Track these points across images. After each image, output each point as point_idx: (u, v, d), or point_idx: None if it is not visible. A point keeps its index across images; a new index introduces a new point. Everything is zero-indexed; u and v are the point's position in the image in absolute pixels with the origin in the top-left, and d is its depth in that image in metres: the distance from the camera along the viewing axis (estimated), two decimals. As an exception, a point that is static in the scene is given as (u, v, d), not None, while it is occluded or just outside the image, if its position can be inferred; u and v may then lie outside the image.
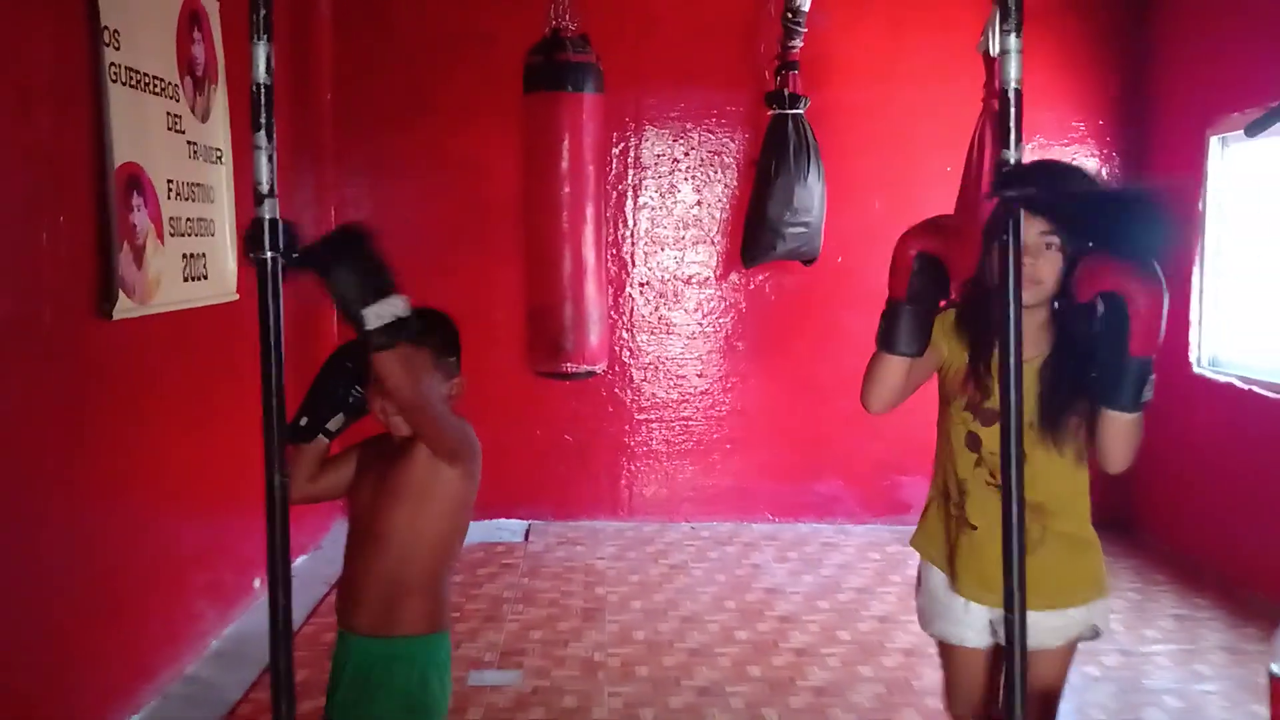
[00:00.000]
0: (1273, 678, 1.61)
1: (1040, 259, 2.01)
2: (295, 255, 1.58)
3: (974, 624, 2.20)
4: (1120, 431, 1.94)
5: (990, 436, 2.10)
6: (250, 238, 1.51)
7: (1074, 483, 2.15)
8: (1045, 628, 2.09)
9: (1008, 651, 1.58)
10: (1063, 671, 2.21)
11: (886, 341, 2.04)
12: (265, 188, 1.52)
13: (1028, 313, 2.00)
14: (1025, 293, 1.97)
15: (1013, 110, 1.63)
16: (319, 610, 4.29)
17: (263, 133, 1.51)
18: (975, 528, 2.14)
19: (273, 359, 1.54)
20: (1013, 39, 1.64)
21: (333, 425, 2.14)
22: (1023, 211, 1.96)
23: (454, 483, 2.13)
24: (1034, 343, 2.05)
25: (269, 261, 1.52)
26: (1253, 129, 2.66)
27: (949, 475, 2.20)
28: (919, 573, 2.33)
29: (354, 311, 1.77)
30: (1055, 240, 2.01)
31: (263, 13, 1.52)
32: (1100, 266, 1.87)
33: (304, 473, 2.14)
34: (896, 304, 2.02)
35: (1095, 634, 2.20)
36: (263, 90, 1.51)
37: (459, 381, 2.21)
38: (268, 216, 1.51)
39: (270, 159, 1.52)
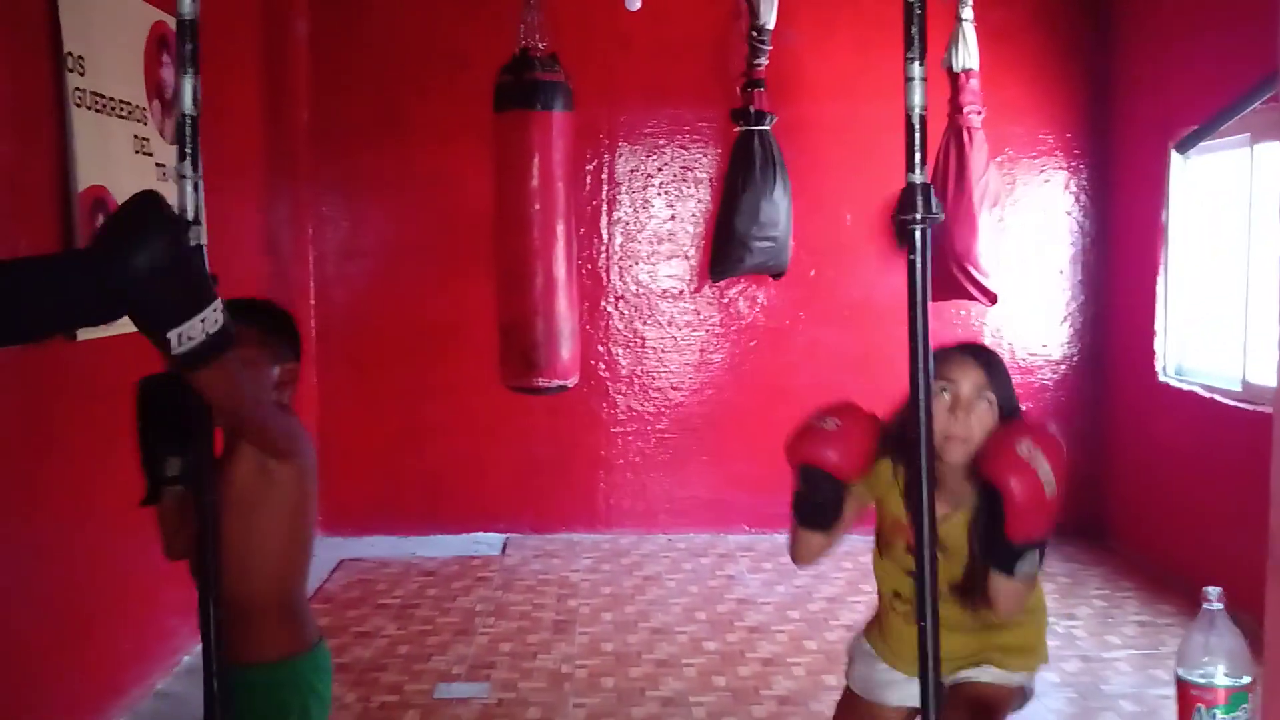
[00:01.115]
0: (1179, 682, 1.66)
1: (972, 414, 2.04)
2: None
3: (906, 691, 2.22)
4: (1002, 590, 2.01)
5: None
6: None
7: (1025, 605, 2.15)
8: (999, 676, 2.20)
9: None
10: (1006, 699, 2.22)
11: (800, 520, 2.12)
12: (191, 214, 1.57)
13: (951, 466, 2.06)
14: (954, 451, 2.04)
15: (917, 136, 1.69)
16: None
17: (188, 162, 1.57)
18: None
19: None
20: (916, 67, 1.70)
21: (170, 471, 1.91)
22: (958, 364, 2.04)
23: (286, 484, 1.97)
24: (960, 495, 2.09)
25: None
26: (1183, 146, 2.72)
27: (896, 587, 2.23)
28: (852, 653, 2.40)
29: (156, 338, 1.45)
30: (989, 394, 2.05)
31: (189, 46, 1.58)
32: (991, 451, 1.96)
33: (171, 529, 1.96)
34: (799, 495, 2.09)
35: (1025, 700, 2.26)
36: (188, 121, 1.57)
37: (291, 367, 2.05)
38: (193, 243, 1.56)
39: (196, 187, 1.58)
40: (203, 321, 1.45)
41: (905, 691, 2.24)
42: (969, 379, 2.04)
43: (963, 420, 2.03)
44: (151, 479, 1.91)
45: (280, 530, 2.00)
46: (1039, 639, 2.28)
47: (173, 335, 1.43)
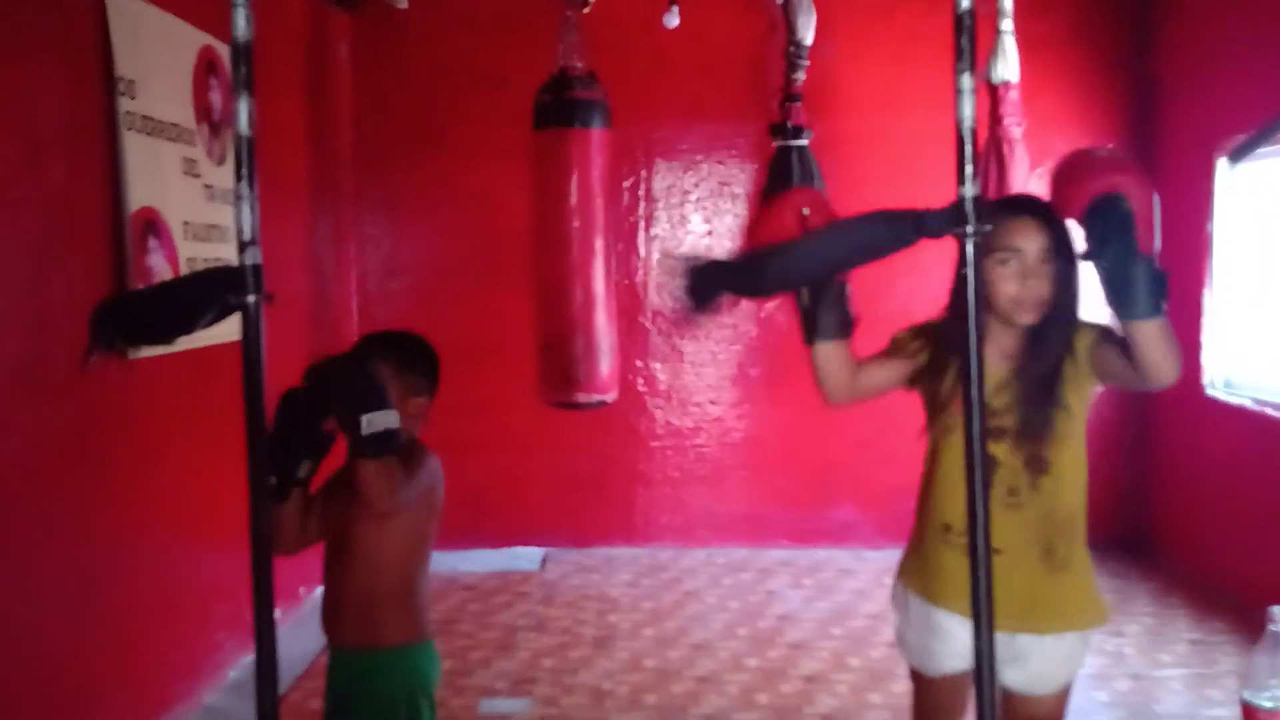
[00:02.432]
0: (1245, 705, 1.63)
1: (1041, 276, 2.00)
2: (308, 372, 1.81)
3: (960, 649, 2.10)
4: (1152, 340, 1.83)
5: (1003, 451, 2.03)
6: (235, 284, 1.58)
7: (1085, 491, 2.11)
8: (1061, 657, 2.08)
9: (976, 673, 1.61)
10: (1063, 710, 2.17)
11: (806, 336, 2.10)
12: (248, 235, 1.59)
13: (1016, 326, 2.04)
14: (1028, 314, 2.01)
15: (968, 148, 1.67)
16: (336, 640, 4.37)
17: (245, 183, 1.59)
18: (999, 551, 1.93)
19: (257, 401, 1.62)
20: (967, 78, 1.68)
21: (302, 473, 2.11)
22: (1019, 229, 2.01)
23: (410, 506, 2.17)
24: (1021, 349, 2.06)
25: (250, 306, 1.59)
26: (1236, 155, 2.67)
27: (947, 506, 2.11)
28: (899, 605, 2.25)
29: (351, 418, 1.91)
30: (1053, 254, 2.00)
31: (244, 69, 1.60)
32: (1083, 171, 1.83)
33: (290, 527, 2.14)
34: (798, 304, 2.07)
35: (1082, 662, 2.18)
36: (244, 143, 1.59)
37: (423, 402, 2.28)
38: (249, 263, 1.58)
39: (253, 208, 1.60)
40: (385, 418, 1.94)
41: (969, 648, 2.14)
42: (1033, 243, 1.98)
43: (1034, 286, 1.98)
44: (282, 478, 2.09)
45: (405, 539, 2.21)
46: (1094, 584, 2.13)
47: (364, 419, 1.92)
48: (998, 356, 2.08)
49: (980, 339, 1.59)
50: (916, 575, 2.21)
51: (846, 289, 2.08)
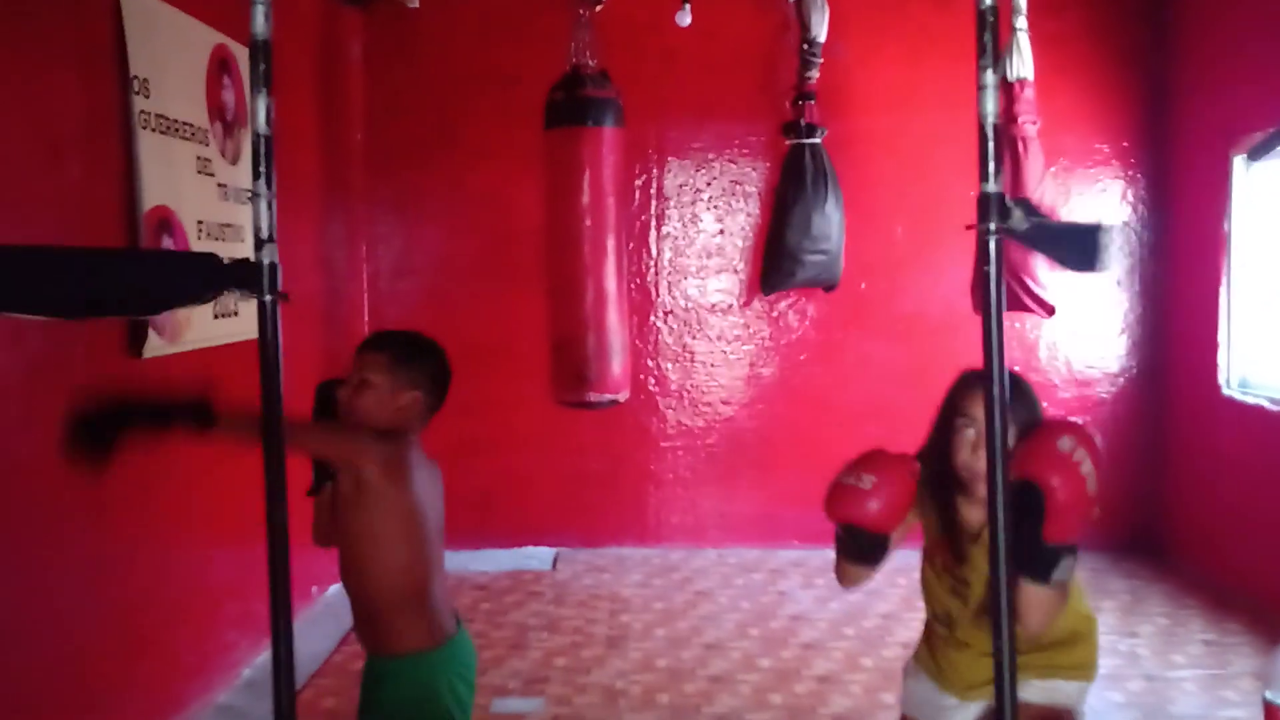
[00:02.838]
0: (1267, 705, 1.62)
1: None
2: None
3: (958, 711, 2.22)
4: (1034, 602, 1.90)
5: (960, 608, 2.15)
6: (250, 282, 1.57)
7: (1062, 617, 2.09)
8: (1031, 688, 2.12)
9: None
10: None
11: (846, 559, 2.10)
12: (265, 233, 1.59)
13: (982, 499, 2.05)
14: (982, 487, 2.01)
15: (990, 144, 1.66)
16: (349, 639, 4.37)
17: (263, 181, 1.58)
18: (969, 645, 2.17)
19: (274, 399, 1.61)
20: (989, 75, 1.66)
21: (333, 468, 2.16)
22: (975, 399, 2.01)
23: (380, 493, 2.10)
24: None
25: (267, 304, 1.58)
26: (1253, 153, 2.65)
27: (936, 608, 2.24)
28: (906, 675, 2.37)
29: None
30: (1012, 427, 1.96)
31: (263, 67, 1.59)
32: (1028, 450, 1.89)
33: (326, 519, 2.21)
34: (841, 540, 2.07)
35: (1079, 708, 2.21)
36: (262, 140, 1.59)
37: (416, 396, 2.21)
38: (266, 261, 1.58)
39: (270, 206, 1.59)
40: None
41: (958, 717, 2.21)
42: (980, 420, 2.01)
43: (983, 458, 2.00)
44: (318, 473, 2.13)
45: (389, 533, 2.12)
46: (1090, 660, 2.21)
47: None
48: (964, 530, 2.12)
49: (1004, 373, 1.58)
50: (919, 657, 2.34)
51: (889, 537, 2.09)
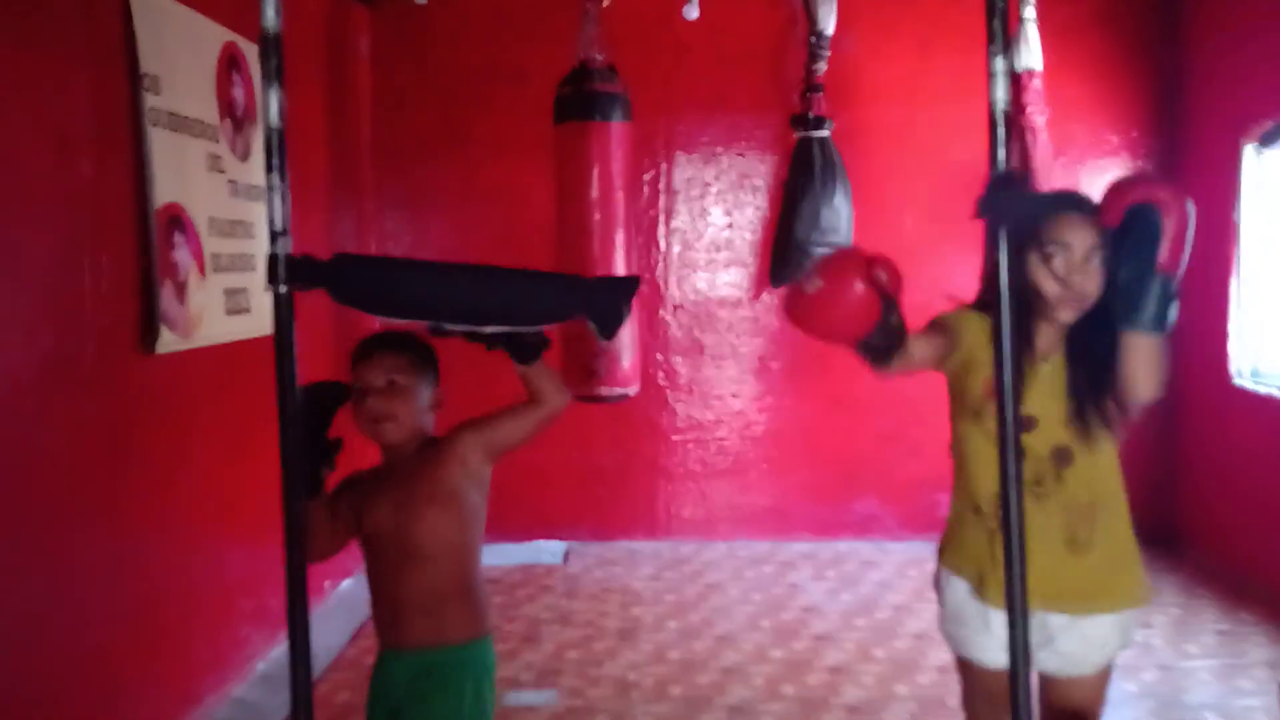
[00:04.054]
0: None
1: (1086, 274, 1.98)
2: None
3: (1002, 639, 2.11)
4: (1144, 355, 1.85)
5: (1028, 441, 2.03)
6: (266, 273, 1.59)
7: (1117, 480, 2.11)
8: (1092, 638, 2.06)
9: (1010, 659, 1.61)
10: (1102, 693, 2.15)
11: (873, 365, 2.02)
12: (279, 226, 1.60)
13: (1059, 325, 2.04)
14: (1071, 310, 1.99)
15: (1000, 131, 1.66)
16: (362, 633, 4.39)
17: (276, 174, 1.60)
18: (1048, 520, 2.05)
19: (289, 390, 1.62)
20: (999, 61, 1.67)
21: (329, 470, 2.14)
22: (1070, 224, 2.00)
23: (477, 488, 2.20)
24: (1056, 340, 2.07)
25: (282, 295, 1.59)
26: (1264, 141, 2.64)
27: (979, 489, 2.12)
28: (940, 589, 2.26)
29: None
30: (1101, 252, 1.97)
31: (274, 61, 1.61)
32: (1127, 183, 1.86)
33: (321, 531, 2.15)
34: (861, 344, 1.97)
35: (1125, 645, 2.15)
36: (275, 134, 1.60)
37: (440, 391, 2.28)
38: (281, 253, 1.59)
39: (284, 199, 1.61)
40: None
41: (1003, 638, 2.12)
42: (1080, 239, 1.97)
43: (1078, 283, 1.97)
44: (313, 476, 2.09)
45: (468, 527, 2.17)
46: (1134, 568, 2.12)
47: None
48: (1035, 350, 2.08)
49: (1020, 329, 1.58)
50: (951, 554, 2.24)
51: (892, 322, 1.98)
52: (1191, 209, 1.84)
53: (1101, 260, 1.98)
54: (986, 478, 2.09)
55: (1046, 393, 2.05)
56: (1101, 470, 2.08)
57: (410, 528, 2.13)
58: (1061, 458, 2.06)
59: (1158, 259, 1.80)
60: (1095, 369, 2.02)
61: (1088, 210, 2.01)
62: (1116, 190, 1.86)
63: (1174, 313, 1.83)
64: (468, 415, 2.32)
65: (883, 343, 1.93)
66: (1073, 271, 1.98)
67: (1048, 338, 2.08)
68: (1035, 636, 2.01)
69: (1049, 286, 2.00)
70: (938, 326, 2.13)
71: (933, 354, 2.09)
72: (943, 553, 2.27)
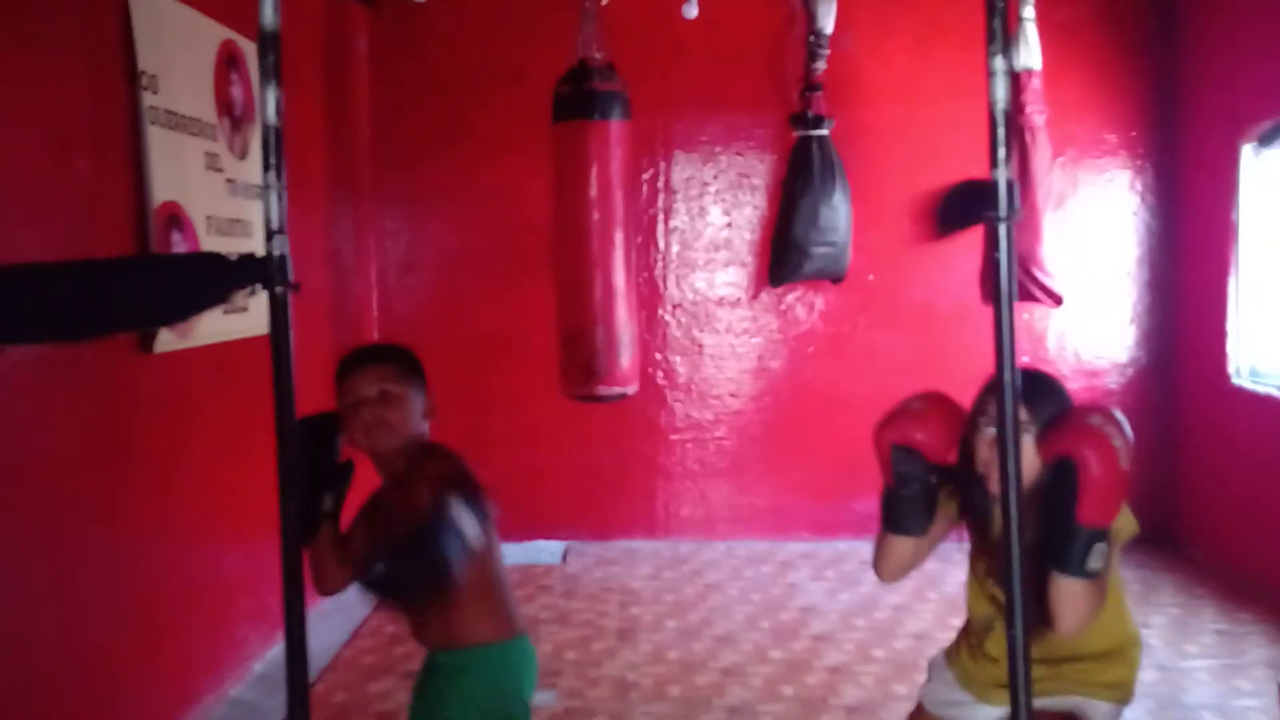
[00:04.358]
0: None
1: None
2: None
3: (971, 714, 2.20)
4: (1066, 597, 1.85)
5: (995, 616, 2.11)
6: (259, 275, 1.57)
7: (1105, 612, 2.02)
8: (1059, 705, 2.11)
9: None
10: None
11: (888, 523, 2.07)
12: (276, 224, 1.59)
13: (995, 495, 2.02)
14: (996, 483, 1.94)
15: (1000, 130, 1.66)
16: (360, 633, 4.38)
17: (273, 172, 1.59)
18: (996, 660, 2.13)
19: (286, 390, 1.61)
20: (999, 61, 1.66)
21: (326, 506, 2.10)
22: (987, 403, 1.99)
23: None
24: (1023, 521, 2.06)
25: (279, 295, 1.59)
26: (1262, 140, 2.63)
27: (973, 616, 2.22)
28: (930, 670, 2.35)
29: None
30: (1030, 426, 1.95)
31: (271, 59, 1.60)
32: (1061, 428, 1.87)
33: (330, 561, 2.12)
34: (889, 490, 2.06)
35: None
36: (272, 132, 1.59)
37: (432, 399, 2.21)
38: (277, 252, 1.58)
39: (280, 197, 1.60)
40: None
41: (974, 714, 2.20)
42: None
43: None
44: (308, 516, 2.05)
45: None
46: (1127, 679, 2.14)
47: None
48: (996, 532, 2.07)
49: (1015, 362, 1.57)
50: (953, 657, 2.30)
51: (937, 485, 2.06)
52: (1124, 454, 1.82)
53: (1030, 434, 1.95)
54: (972, 608, 2.21)
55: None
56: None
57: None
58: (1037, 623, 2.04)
59: (1074, 514, 1.81)
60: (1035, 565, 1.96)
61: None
62: (1052, 435, 1.88)
63: (1096, 560, 1.82)
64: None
65: (918, 493, 2.02)
66: (994, 447, 1.97)
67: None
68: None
69: (978, 457, 2.02)
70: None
71: (944, 524, 2.13)
72: (946, 652, 2.33)
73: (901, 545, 2.08)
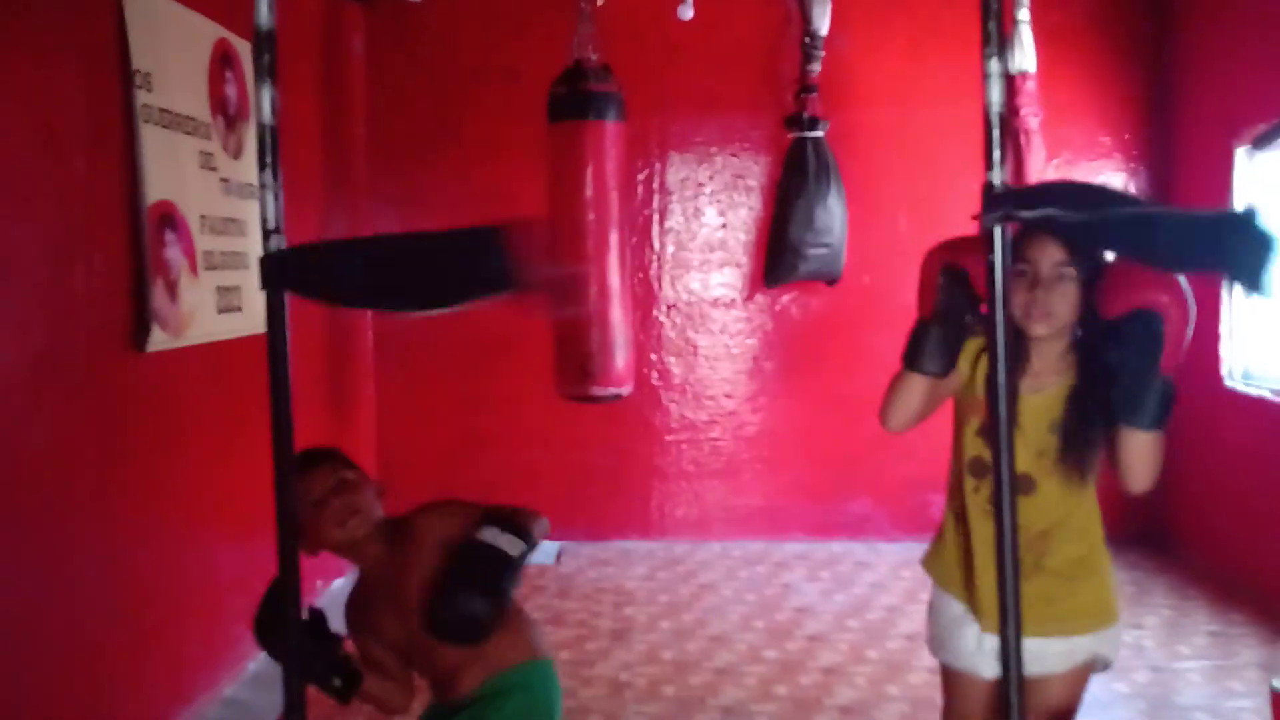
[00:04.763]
0: (1275, 694, 1.61)
1: (1053, 291, 1.97)
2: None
3: (988, 655, 2.13)
4: (1144, 451, 1.90)
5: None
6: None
7: (1082, 507, 2.09)
8: (1050, 653, 2.06)
9: (1003, 675, 1.60)
10: (1074, 696, 2.14)
11: (911, 359, 2.05)
12: (272, 224, 1.59)
13: (1045, 342, 2.02)
14: (1038, 325, 1.98)
15: (995, 133, 1.66)
16: (353, 633, 4.37)
17: (269, 171, 1.59)
18: (976, 551, 2.11)
19: (282, 387, 1.61)
20: (994, 63, 1.66)
21: (339, 684, 2.10)
22: (1037, 243, 1.99)
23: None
24: (1054, 371, 2.04)
25: (275, 296, 1.58)
26: (1257, 144, 2.65)
27: (955, 499, 2.18)
28: (931, 599, 2.28)
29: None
30: (1070, 271, 1.96)
31: (266, 57, 1.60)
32: (1130, 281, 1.86)
33: (384, 691, 2.14)
34: (923, 323, 2.03)
35: (1105, 665, 2.14)
36: (267, 131, 1.59)
37: (381, 485, 2.22)
38: (274, 251, 1.58)
39: (276, 197, 1.60)
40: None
41: (986, 645, 2.13)
42: (1047, 257, 1.97)
43: (1041, 297, 1.96)
44: (344, 696, 2.09)
45: None
46: (1104, 595, 2.12)
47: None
48: (1027, 373, 2.06)
49: (993, 341, 1.57)
50: (936, 564, 2.27)
51: (965, 327, 2.04)
52: (1192, 310, 1.87)
53: (1073, 280, 1.97)
54: (958, 490, 2.15)
55: (1026, 423, 2.03)
56: (1062, 502, 2.07)
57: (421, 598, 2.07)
58: (1023, 486, 2.05)
59: (1158, 365, 1.84)
60: (1090, 422, 2.01)
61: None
62: (1122, 286, 1.88)
63: (1171, 408, 1.87)
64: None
65: (940, 345, 2.01)
66: (1037, 287, 1.98)
67: (1042, 363, 2.06)
68: (988, 645, 2.10)
69: (1015, 300, 1.99)
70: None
71: (947, 388, 2.12)
72: (930, 559, 2.29)
73: (919, 385, 2.04)
